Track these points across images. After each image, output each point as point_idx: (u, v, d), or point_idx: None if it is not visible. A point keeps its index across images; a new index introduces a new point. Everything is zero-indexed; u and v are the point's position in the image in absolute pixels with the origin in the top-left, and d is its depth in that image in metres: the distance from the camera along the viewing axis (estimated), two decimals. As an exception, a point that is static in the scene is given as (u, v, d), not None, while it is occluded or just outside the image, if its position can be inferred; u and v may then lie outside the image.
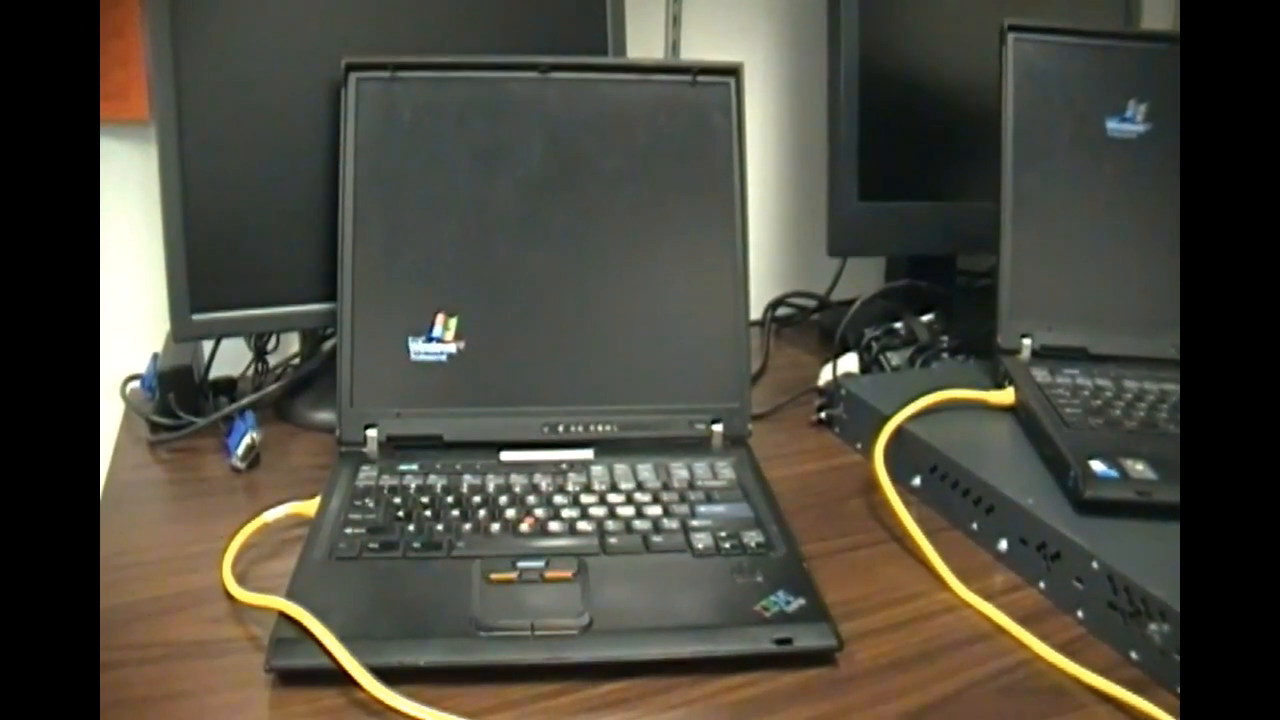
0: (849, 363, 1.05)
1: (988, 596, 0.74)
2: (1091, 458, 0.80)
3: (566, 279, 0.89)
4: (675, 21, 1.18)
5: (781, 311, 1.26)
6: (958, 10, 1.14)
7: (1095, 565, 0.71)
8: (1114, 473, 0.78)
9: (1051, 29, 1.01)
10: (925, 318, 1.10)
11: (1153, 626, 0.67)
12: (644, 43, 1.18)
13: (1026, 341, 0.98)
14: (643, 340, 0.89)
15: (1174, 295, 0.99)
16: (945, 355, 1.07)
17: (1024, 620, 0.72)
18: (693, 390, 0.89)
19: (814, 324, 1.25)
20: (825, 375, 1.04)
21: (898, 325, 1.09)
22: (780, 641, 0.66)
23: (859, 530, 0.83)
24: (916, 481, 0.88)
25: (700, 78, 0.91)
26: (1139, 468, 0.79)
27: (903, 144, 1.13)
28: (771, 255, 1.33)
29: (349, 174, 0.89)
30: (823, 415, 1.00)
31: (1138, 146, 1.00)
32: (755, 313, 1.26)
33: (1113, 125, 1.00)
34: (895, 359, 1.05)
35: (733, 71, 0.91)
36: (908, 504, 0.85)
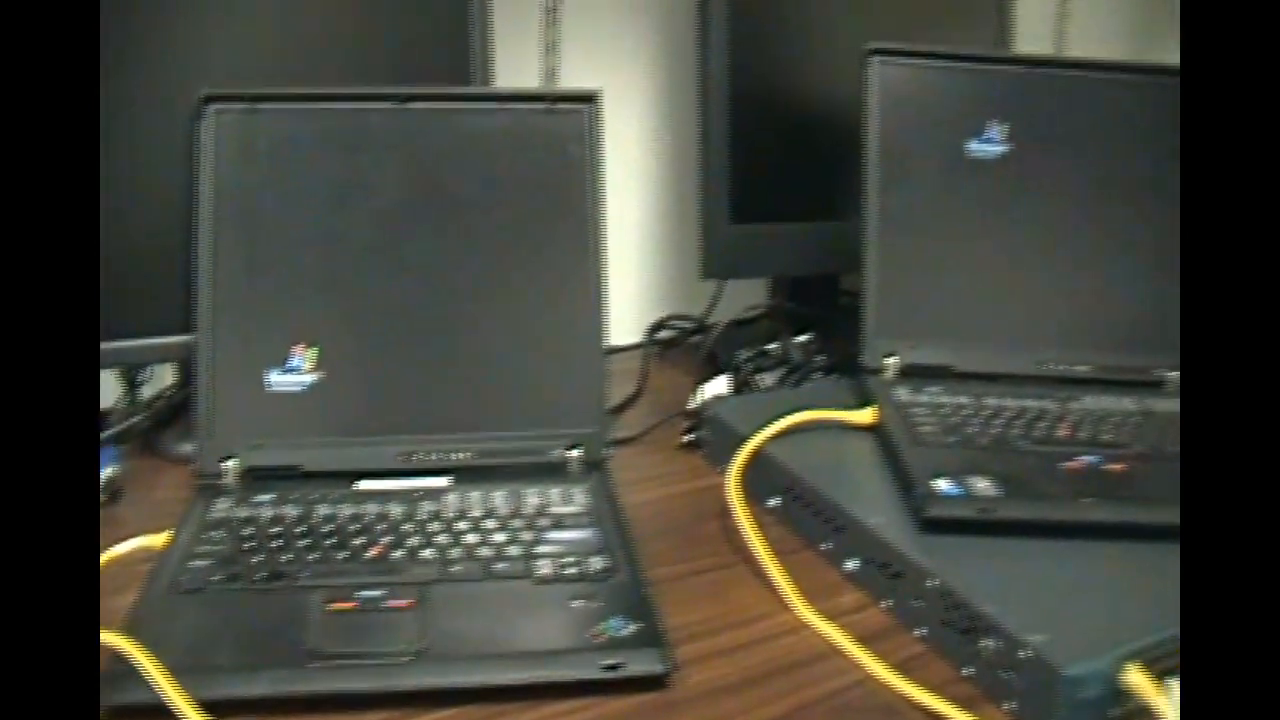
0: (720, 385, 1.05)
1: (832, 617, 0.74)
2: (937, 476, 0.81)
3: (426, 308, 0.89)
4: (552, 48, 1.19)
5: (664, 334, 1.26)
6: (827, 33, 1.15)
7: (930, 584, 0.72)
8: (958, 491, 0.79)
9: (914, 52, 1.02)
10: (801, 338, 1.11)
11: (984, 643, 0.67)
12: (519, 70, 1.18)
13: (891, 360, 0.98)
14: (501, 367, 0.89)
15: (1037, 312, 1.01)
16: (819, 375, 1.07)
17: (865, 640, 0.72)
18: (550, 415, 0.89)
19: (696, 347, 1.25)
20: (698, 398, 1.04)
21: (772, 346, 1.09)
22: (609, 667, 0.66)
23: (712, 553, 0.83)
24: (774, 503, 0.88)
25: (556, 105, 0.91)
26: (983, 485, 0.80)
27: (775, 166, 1.14)
28: (654, 278, 1.33)
29: (206, 205, 0.88)
30: (688, 438, 1.01)
31: (997, 167, 1.01)
32: (636, 336, 1.27)
33: (973, 147, 1.01)
34: (768, 380, 1.06)
35: (589, 98, 0.91)
36: (765, 526, 0.86)
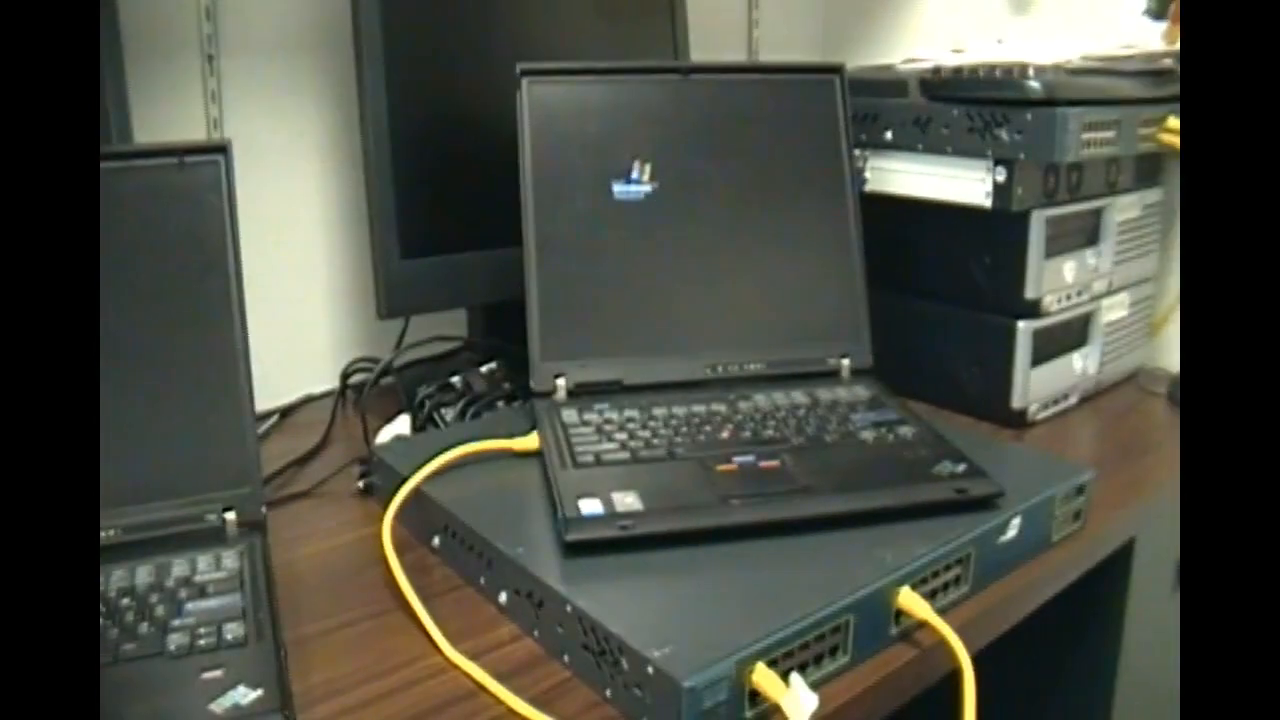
0: (401, 425, 1.04)
1: (483, 653, 0.74)
2: (584, 496, 0.80)
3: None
4: (214, 98, 1.15)
5: (357, 378, 1.23)
6: (485, 58, 1.14)
7: (567, 609, 0.71)
8: (599, 511, 0.79)
9: (563, 70, 1.02)
10: (485, 368, 1.10)
11: (623, 663, 0.67)
12: (178, 126, 1.15)
13: (560, 381, 0.98)
14: (139, 437, 0.85)
15: (704, 319, 1.03)
16: (501, 404, 1.06)
17: (510, 674, 0.71)
18: (198, 480, 0.86)
19: (388, 389, 1.23)
20: (379, 440, 1.02)
21: (454, 380, 1.08)
22: (227, 740, 0.64)
23: (366, 602, 0.81)
24: (436, 542, 0.87)
25: (188, 159, 0.88)
26: (628, 501, 0.80)
27: (442, 198, 1.12)
28: (343, 321, 1.31)
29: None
30: (361, 484, 0.99)
31: (645, 205, 1.03)
32: (332, 382, 1.24)
33: (619, 189, 1.02)
34: (450, 415, 1.04)
35: (221, 149, 0.89)
36: (430, 567, 0.85)
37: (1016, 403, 1.14)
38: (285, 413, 1.20)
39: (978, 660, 0.73)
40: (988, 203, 1.08)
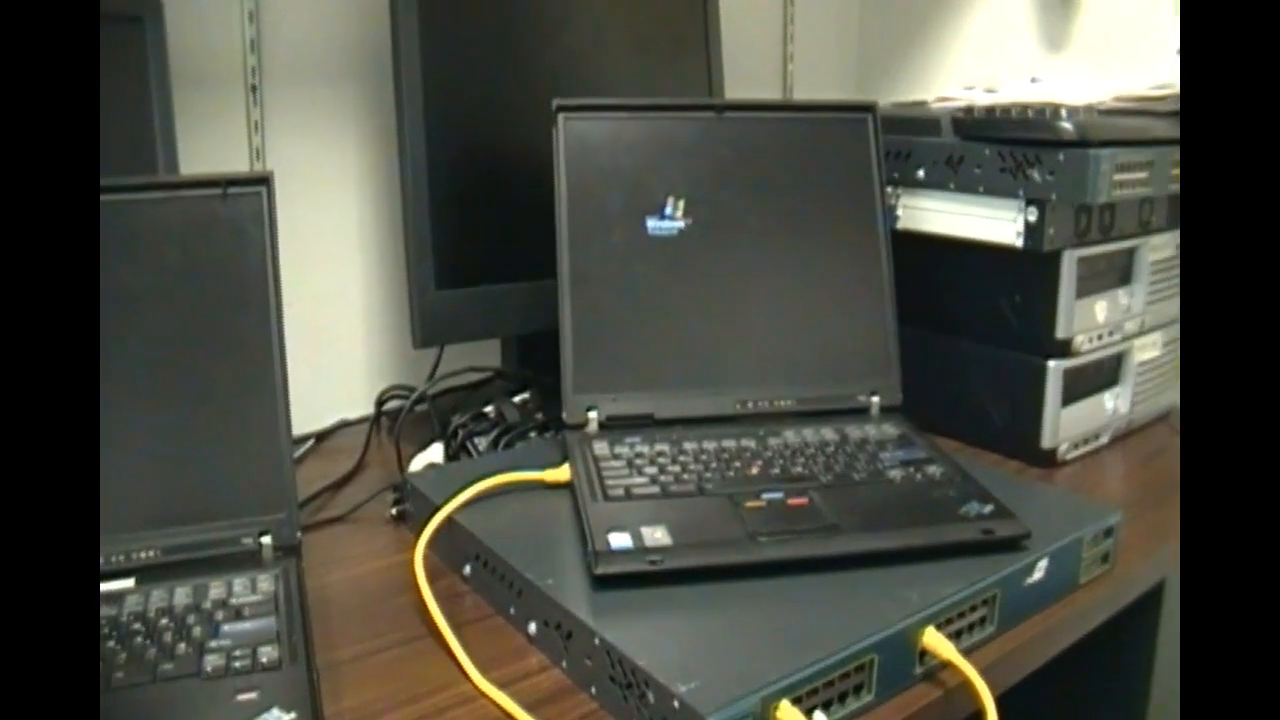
0: (435, 453, 1.05)
1: (511, 682, 0.75)
2: (613, 530, 0.82)
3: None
4: (257, 128, 1.18)
5: (392, 405, 1.25)
6: (523, 91, 1.16)
7: (595, 641, 0.72)
8: (628, 544, 0.80)
9: (598, 105, 1.04)
10: (518, 398, 1.11)
11: (650, 696, 0.68)
12: (221, 155, 1.17)
13: (592, 414, 0.99)
14: (181, 463, 0.87)
15: (735, 355, 1.04)
16: (534, 435, 1.07)
17: (539, 704, 0.72)
18: (236, 505, 0.87)
19: (422, 416, 1.25)
20: (413, 468, 1.04)
21: (488, 409, 1.09)
22: (259, 763, 0.65)
23: (398, 629, 0.82)
24: (468, 570, 0.88)
25: (231, 189, 0.90)
26: (658, 535, 0.81)
27: (479, 230, 1.14)
28: (379, 349, 1.33)
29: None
30: (395, 511, 1.00)
31: (678, 241, 1.04)
32: (366, 408, 1.26)
33: (653, 224, 1.04)
34: (483, 444, 1.06)
35: (263, 181, 0.91)
36: (460, 595, 0.86)
37: (1047, 442, 1.14)
38: (321, 437, 1.22)
39: (1003, 701, 0.74)
40: (1019, 242, 1.09)
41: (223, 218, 0.90)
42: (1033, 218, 1.08)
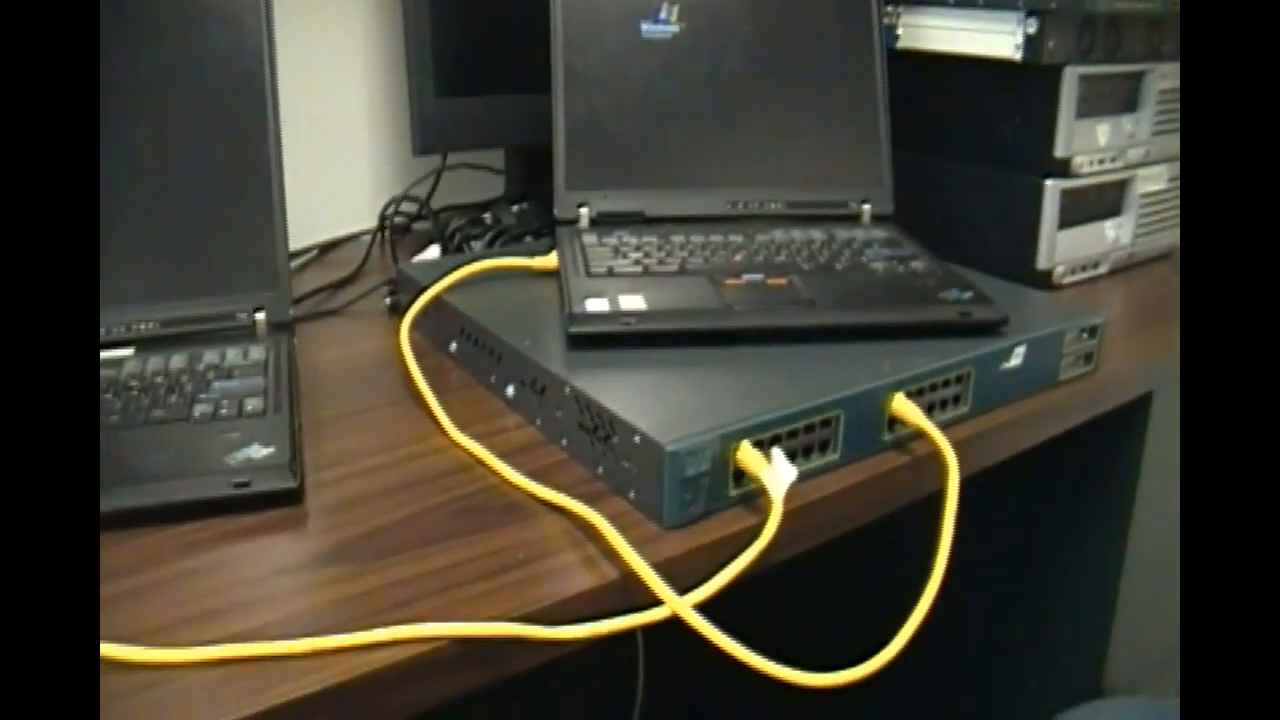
0: (431, 253, 1.07)
1: (481, 438, 0.77)
2: (590, 296, 0.83)
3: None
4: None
5: (399, 219, 1.27)
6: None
7: (566, 391, 0.74)
8: (605, 308, 0.82)
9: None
10: (516, 207, 1.13)
11: (615, 439, 0.70)
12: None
13: (584, 210, 1.01)
14: (172, 239, 0.90)
15: (728, 157, 1.05)
16: (529, 239, 1.09)
17: (510, 454, 0.75)
18: (231, 282, 0.90)
19: (425, 232, 1.26)
20: (408, 267, 1.06)
21: (485, 215, 1.11)
22: (239, 485, 0.68)
23: (381, 395, 0.85)
24: (453, 347, 0.90)
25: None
26: (634, 302, 0.83)
27: (479, 39, 1.15)
28: (382, 163, 1.35)
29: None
30: (388, 300, 1.02)
31: (671, 45, 1.05)
32: (368, 223, 1.28)
33: (647, 27, 1.04)
34: (479, 246, 1.07)
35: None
36: (445, 370, 0.88)
37: (1042, 264, 1.14)
38: (325, 248, 1.24)
39: (978, 492, 0.74)
40: (1018, 55, 1.08)
41: (218, 7, 0.92)
42: (1032, 29, 1.07)
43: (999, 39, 1.10)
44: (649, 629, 0.62)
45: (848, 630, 0.88)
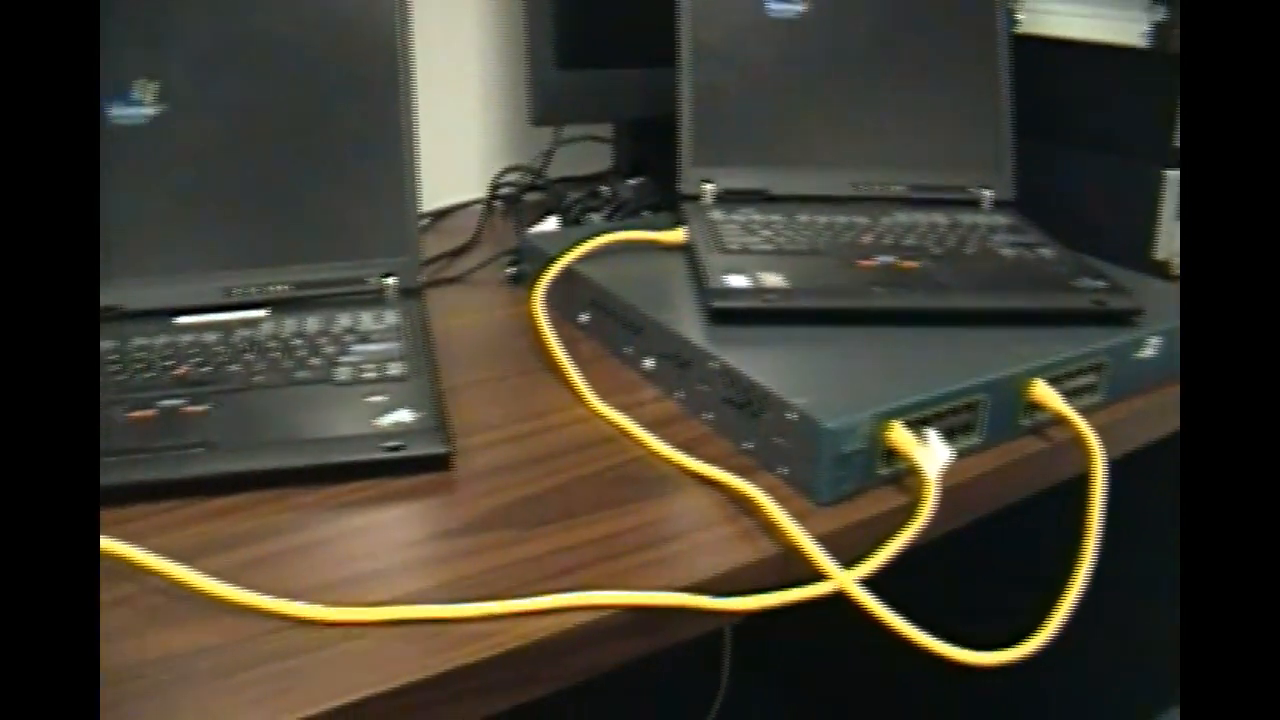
0: (550, 225, 1.07)
1: (625, 409, 0.77)
2: (730, 272, 0.83)
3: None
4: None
5: (507, 190, 1.26)
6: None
7: (712, 365, 0.74)
8: (746, 284, 0.82)
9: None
10: (634, 180, 1.13)
11: (766, 414, 0.70)
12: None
13: (708, 187, 1.01)
14: (312, 203, 0.90)
15: (852, 138, 1.04)
16: (648, 214, 1.09)
17: (653, 425, 0.75)
18: (362, 247, 0.90)
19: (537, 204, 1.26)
20: (527, 238, 1.06)
21: (603, 189, 1.11)
22: (391, 449, 0.68)
23: (516, 363, 0.85)
24: (584, 318, 0.90)
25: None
26: (773, 279, 0.83)
27: (601, 11, 1.15)
28: (496, 129, 1.35)
29: None
30: (511, 271, 1.02)
31: (798, 25, 1.04)
32: (481, 190, 1.28)
33: (773, 5, 1.04)
34: (597, 219, 1.07)
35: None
36: (576, 340, 0.88)
37: (1160, 254, 1.13)
38: (438, 216, 1.24)
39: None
40: (1144, 43, 1.07)
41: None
42: (1160, 16, 1.06)
43: (1125, 26, 1.08)
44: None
45: (959, 613, 0.87)
